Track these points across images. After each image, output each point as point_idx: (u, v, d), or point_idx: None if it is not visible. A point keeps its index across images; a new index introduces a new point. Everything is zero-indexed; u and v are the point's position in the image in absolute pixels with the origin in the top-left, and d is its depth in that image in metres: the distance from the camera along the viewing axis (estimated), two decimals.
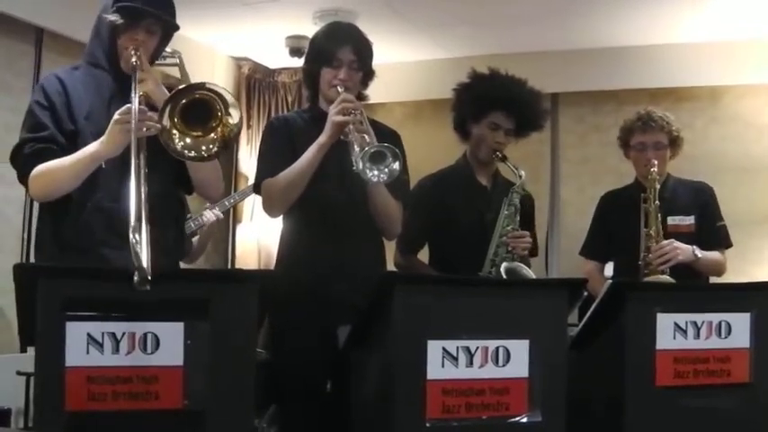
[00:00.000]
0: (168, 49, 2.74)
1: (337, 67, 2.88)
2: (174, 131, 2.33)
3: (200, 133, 2.36)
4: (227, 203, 4.39)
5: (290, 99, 6.98)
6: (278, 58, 6.65)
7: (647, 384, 2.48)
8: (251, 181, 4.43)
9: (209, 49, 6.57)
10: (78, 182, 2.45)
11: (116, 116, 2.37)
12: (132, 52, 2.50)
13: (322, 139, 2.77)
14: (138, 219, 2.06)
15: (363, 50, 2.93)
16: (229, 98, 2.35)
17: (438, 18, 5.79)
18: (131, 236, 2.00)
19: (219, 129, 2.36)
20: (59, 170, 2.44)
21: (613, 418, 2.48)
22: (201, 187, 2.71)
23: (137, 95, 2.38)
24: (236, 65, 6.91)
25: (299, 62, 5.89)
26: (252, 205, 6.57)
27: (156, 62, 2.71)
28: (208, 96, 2.34)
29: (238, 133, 2.40)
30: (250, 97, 6.96)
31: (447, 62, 6.42)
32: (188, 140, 2.35)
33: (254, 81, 6.98)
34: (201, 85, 2.34)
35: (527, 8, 5.49)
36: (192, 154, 2.36)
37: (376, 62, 3.00)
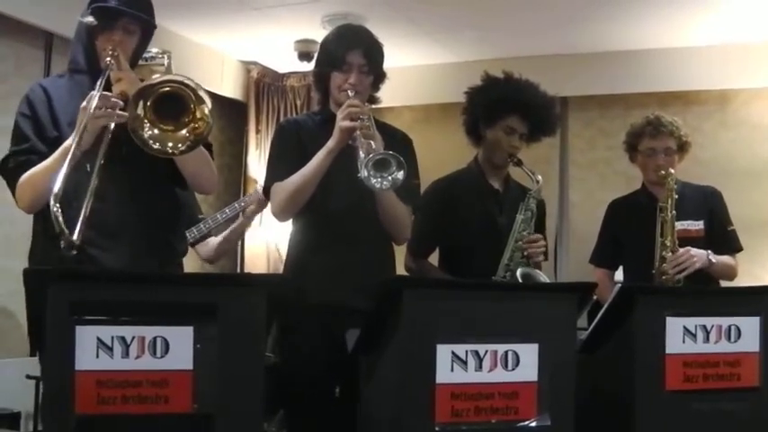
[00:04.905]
0: (155, 50, 2.71)
1: (347, 72, 2.87)
2: (145, 121, 2.33)
3: (171, 128, 2.36)
4: (237, 206, 4.37)
5: (298, 103, 7.00)
6: (287, 62, 6.67)
7: (657, 388, 2.46)
8: (260, 185, 4.41)
9: (219, 54, 6.60)
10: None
11: (82, 105, 2.39)
12: (109, 52, 2.49)
13: (330, 144, 2.76)
14: (60, 189, 2.19)
15: (374, 54, 2.91)
16: (202, 93, 2.35)
17: (446, 22, 5.79)
18: (51, 203, 2.15)
19: (192, 124, 2.36)
20: (39, 173, 2.44)
21: (623, 423, 2.47)
22: (194, 181, 2.67)
23: (100, 87, 2.39)
24: (246, 69, 6.92)
25: (308, 66, 5.93)
26: None
27: (145, 63, 2.68)
28: (181, 90, 2.34)
29: (209, 129, 2.38)
30: (259, 101, 6.98)
31: (456, 66, 6.43)
32: (156, 131, 2.35)
33: (264, 85, 6.99)
34: (174, 79, 2.34)
35: (535, 13, 5.49)
36: (157, 146, 2.35)
37: (384, 66, 2.98)
